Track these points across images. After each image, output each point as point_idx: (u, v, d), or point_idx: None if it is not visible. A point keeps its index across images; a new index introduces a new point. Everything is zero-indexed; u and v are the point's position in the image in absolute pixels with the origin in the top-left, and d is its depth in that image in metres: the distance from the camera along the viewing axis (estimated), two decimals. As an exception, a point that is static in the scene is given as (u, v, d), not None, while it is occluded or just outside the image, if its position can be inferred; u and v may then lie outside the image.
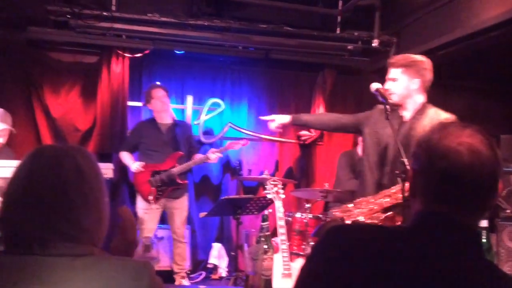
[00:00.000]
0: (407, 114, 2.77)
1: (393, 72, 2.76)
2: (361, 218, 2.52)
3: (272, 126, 3.21)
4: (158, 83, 4.98)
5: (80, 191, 1.18)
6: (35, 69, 4.87)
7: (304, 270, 1.09)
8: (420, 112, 2.72)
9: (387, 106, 2.59)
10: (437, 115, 2.65)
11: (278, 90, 5.50)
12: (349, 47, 5.00)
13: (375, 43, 4.82)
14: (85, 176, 1.21)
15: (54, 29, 4.58)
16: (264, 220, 1.79)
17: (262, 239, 1.63)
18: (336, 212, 2.63)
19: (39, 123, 4.87)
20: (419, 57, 2.76)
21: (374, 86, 2.77)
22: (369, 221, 2.50)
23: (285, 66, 5.44)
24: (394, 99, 2.73)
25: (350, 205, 2.58)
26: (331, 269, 1.02)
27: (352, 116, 3.08)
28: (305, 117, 3.24)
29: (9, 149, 3.86)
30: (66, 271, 1.10)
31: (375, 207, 2.53)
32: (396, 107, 2.79)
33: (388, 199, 2.51)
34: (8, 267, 1.10)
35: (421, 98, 2.74)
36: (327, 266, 1.03)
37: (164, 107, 4.41)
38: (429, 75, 2.73)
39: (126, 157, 4.43)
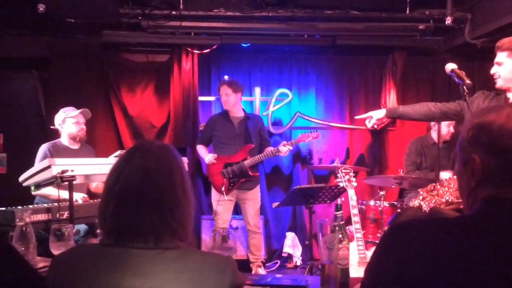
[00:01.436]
0: None
1: (499, 56, 2.66)
2: (447, 197, 2.44)
3: (370, 124, 3.17)
4: (226, 77, 5.08)
5: (183, 188, 1.25)
6: (111, 70, 5.15)
7: (370, 274, 1.06)
8: None
9: (464, 87, 2.47)
10: None
11: (346, 76, 5.40)
12: (420, 26, 4.78)
13: (448, 20, 4.57)
14: (184, 173, 1.28)
15: (127, 31, 4.81)
16: (337, 209, 1.78)
17: (337, 228, 1.62)
18: (420, 191, 2.55)
19: (118, 121, 5.16)
20: None
21: (449, 66, 2.65)
22: (455, 199, 2.41)
23: (353, 51, 5.33)
24: (499, 83, 2.66)
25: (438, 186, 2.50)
26: (399, 271, 0.97)
27: (455, 103, 2.97)
28: (401, 109, 3.17)
29: (90, 147, 4.09)
30: (157, 263, 1.16)
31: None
32: (501, 92, 2.70)
33: None
34: (110, 259, 1.17)
35: None
36: (393, 268, 0.98)
37: (225, 106, 4.47)
38: None
39: (201, 150, 4.57)
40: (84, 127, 3.90)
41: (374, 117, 3.15)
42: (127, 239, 1.18)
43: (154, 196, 1.20)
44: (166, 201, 1.20)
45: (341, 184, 3.17)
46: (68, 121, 3.83)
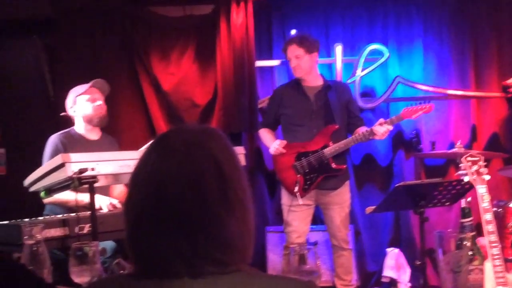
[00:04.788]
0: None
1: None
2: None
3: None
4: (293, 31, 5.07)
5: (222, 196, 1.22)
6: (137, 31, 5.30)
7: None
8: None
9: None
10: None
11: (469, 22, 5.24)
12: None
13: None
14: (226, 173, 1.24)
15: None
16: (465, 214, 1.74)
17: (465, 242, 1.59)
18: None
19: (148, 101, 5.32)
20: None
21: None
22: None
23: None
24: None
25: None
26: None
27: None
28: None
29: (111, 138, 4.23)
30: None
31: None
32: None
33: None
34: None
35: None
36: None
37: (298, 73, 4.43)
38: None
39: (266, 136, 4.58)
40: (101, 103, 3.96)
41: None
42: (164, 269, 1.21)
43: (176, 214, 1.20)
44: (196, 219, 1.20)
45: (465, 178, 3.08)
46: (80, 100, 3.93)
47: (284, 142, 4.37)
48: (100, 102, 3.97)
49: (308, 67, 4.42)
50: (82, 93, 3.93)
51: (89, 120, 3.95)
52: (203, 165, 1.22)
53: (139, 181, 1.25)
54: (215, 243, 1.20)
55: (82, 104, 3.94)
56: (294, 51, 4.40)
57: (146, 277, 1.22)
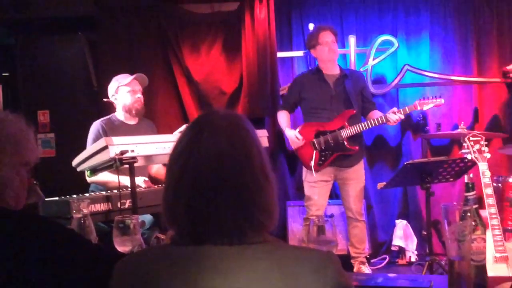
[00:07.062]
0: None
1: None
2: None
3: None
4: (311, 25, 5.03)
5: (263, 169, 1.26)
6: (170, 26, 5.31)
7: None
8: None
9: None
10: None
11: (472, 13, 5.12)
12: None
13: None
14: (262, 150, 1.29)
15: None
16: (468, 188, 1.72)
17: (469, 214, 1.57)
18: None
19: (180, 89, 5.34)
20: None
21: None
22: None
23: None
24: None
25: None
26: None
27: None
28: None
29: (149, 122, 4.25)
30: (242, 261, 1.18)
31: None
32: None
33: None
34: (186, 260, 1.21)
35: None
36: None
37: (333, 56, 4.43)
38: None
39: (282, 118, 4.59)
40: (140, 96, 4.00)
41: None
42: (205, 237, 1.21)
43: (232, 185, 1.21)
44: (247, 189, 1.21)
45: (468, 156, 3.06)
46: (122, 91, 3.96)
47: (301, 137, 4.38)
48: (139, 95, 3.99)
49: (337, 53, 4.51)
50: (125, 85, 3.95)
51: (128, 110, 3.97)
52: (249, 141, 1.27)
53: (193, 159, 1.23)
54: (260, 210, 1.23)
55: (123, 95, 3.96)
56: (330, 36, 4.42)
57: (186, 245, 1.23)
